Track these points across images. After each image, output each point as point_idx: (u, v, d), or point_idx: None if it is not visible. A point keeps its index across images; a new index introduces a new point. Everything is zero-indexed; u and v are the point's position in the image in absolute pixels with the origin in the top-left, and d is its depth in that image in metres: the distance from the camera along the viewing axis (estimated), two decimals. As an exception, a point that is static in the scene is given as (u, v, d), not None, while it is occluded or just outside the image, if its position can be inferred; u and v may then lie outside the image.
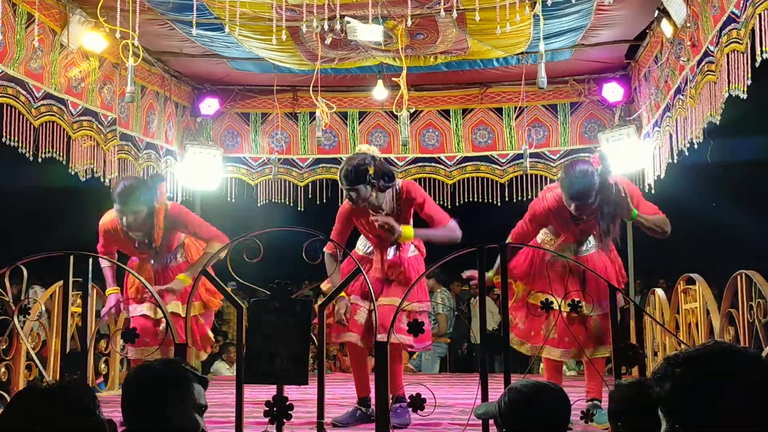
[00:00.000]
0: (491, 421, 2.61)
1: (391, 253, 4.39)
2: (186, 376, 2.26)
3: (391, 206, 4.32)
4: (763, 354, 3.99)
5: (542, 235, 4.49)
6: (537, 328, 4.22)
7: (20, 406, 1.87)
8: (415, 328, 3.30)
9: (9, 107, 5.23)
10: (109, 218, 4.67)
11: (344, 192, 4.26)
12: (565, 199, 4.11)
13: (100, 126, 6.27)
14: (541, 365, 8.16)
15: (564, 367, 5.01)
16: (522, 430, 2.26)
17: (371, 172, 4.17)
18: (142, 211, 4.45)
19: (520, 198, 7.63)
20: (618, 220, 4.20)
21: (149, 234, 4.55)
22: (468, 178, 7.80)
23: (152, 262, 4.69)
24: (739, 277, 4.45)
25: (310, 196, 7.94)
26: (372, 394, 4.27)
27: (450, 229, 4.25)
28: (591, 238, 4.34)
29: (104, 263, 4.65)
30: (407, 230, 4.20)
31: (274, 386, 3.09)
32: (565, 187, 4.08)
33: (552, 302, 3.37)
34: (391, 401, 4.01)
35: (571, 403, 2.33)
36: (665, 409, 1.53)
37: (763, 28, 4.01)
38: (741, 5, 4.31)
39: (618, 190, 4.08)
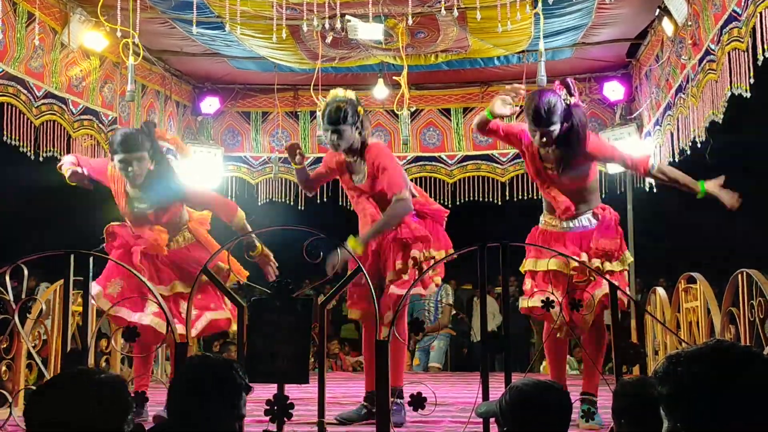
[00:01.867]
0: (492, 420, 2.61)
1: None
2: (241, 385, 2.24)
3: (364, 169, 4.19)
4: (765, 353, 3.99)
5: (541, 217, 4.42)
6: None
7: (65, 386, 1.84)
8: (416, 327, 3.30)
9: (9, 106, 5.23)
10: (110, 169, 4.42)
11: (327, 135, 4.12)
12: (530, 128, 4.00)
13: (100, 125, 6.27)
14: (542, 364, 8.18)
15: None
16: (523, 429, 2.26)
17: (361, 112, 4.13)
18: (145, 157, 4.24)
19: (520, 197, 7.63)
20: (581, 149, 4.02)
21: (148, 188, 4.32)
22: (469, 177, 7.80)
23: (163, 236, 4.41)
24: (740, 276, 4.44)
25: (310, 195, 7.93)
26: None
27: (394, 207, 4.00)
28: (583, 218, 4.20)
29: (65, 159, 4.49)
30: (352, 243, 3.90)
31: (275, 385, 3.08)
32: (530, 115, 3.94)
33: (552, 301, 3.36)
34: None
35: (572, 401, 2.33)
36: (666, 408, 1.53)
37: (764, 27, 4.00)
38: (742, 3, 4.31)
39: (582, 114, 4.02)
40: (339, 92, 4.27)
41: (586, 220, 4.16)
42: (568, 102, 3.96)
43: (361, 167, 4.23)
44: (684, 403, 1.49)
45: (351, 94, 4.25)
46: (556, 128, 3.93)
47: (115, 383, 1.86)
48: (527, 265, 4.26)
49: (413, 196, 4.26)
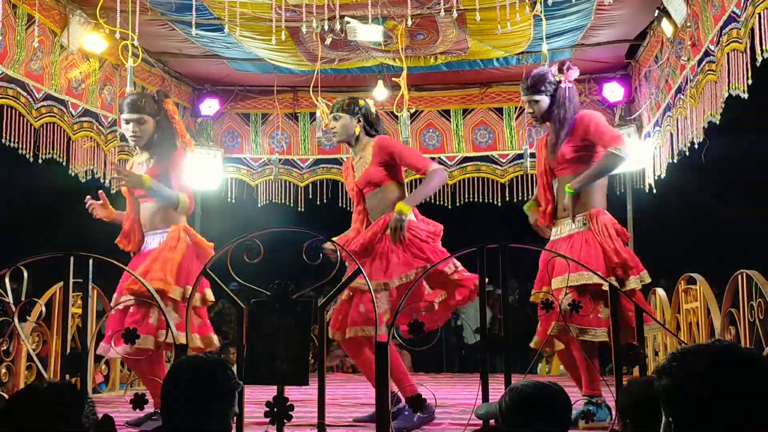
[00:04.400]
0: (492, 422, 2.61)
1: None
2: (236, 385, 2.23)
3: (368, 159, 4.24)
4: (764, 353, 3.99)
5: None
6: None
7: (11, 407, 1.92)
8: (416, 328, 3.29)
9: (9, 108, 5.24)
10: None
11: (330, 123, 4.30)
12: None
13: (100, 127, 6.27)
14: (540, 365, 8.17)
15: (562, 367, 4.96)
16: (523, 431, 2.26)
17: (361, 104, 4.25)
18: (147, 122, 4.29)
19: (520, 198, 7.63)
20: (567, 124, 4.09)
21: (152, 149, 4.33)
22: (468, 178, 7.80)
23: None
24: (739, 277, 4.45)
25: (310, 196, 7.94)
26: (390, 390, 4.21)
27: (431, 176, 4.11)
28: (572, 222, 4.13)
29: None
30: (401, 207, 4.00)
31: (275, 387, 3.08)
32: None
33: (552, 302, 3.37)
34: (402, 401, 3.98)
35: (572, 402, 2.33)
36: (663, 404, 1.53)
37: (763, 28, 4.00)
38: (741, 5, 4.31)
39: (571, 93, 4.12)
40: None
41: (577, 222, 4.02)
42: (558, 78, 4.04)
43: (364, 160, 4.25)
44: (677, 398, 1.50)
45: (369, 99, 4.38)
46: (541, 99, 4.09)
47: (57, 390, 1.94)
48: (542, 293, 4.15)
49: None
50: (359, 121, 4.23)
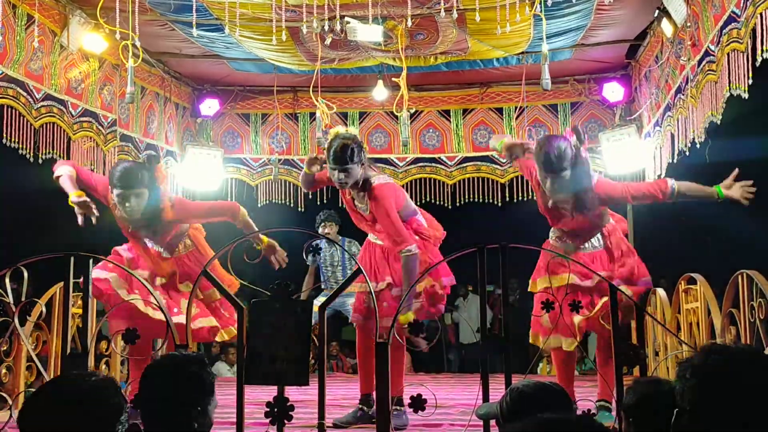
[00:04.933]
0: (493, 422, 2.61)
1: (372, 237, 4.41)
2: (213, 382, 2.26)
3: (367, 205, 4.29)
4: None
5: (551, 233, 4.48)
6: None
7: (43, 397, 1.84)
8: (416, 328, 3.29)
9: (9, 108, 5.23)
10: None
11: (334, 174, 4.17)
12: (540, 174, 4.10)
13: (100, 127, 6.27)
14: (540, 366, 8.16)
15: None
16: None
17: (365, 148, 4.25)
18: (143, 194, 4.28)
19: (520, 198, 7.63)
20: (590, 196, 4.13)
21: (150, 221, 4.38)
22: (468, 179, 7.80)
23: (160, 250, 4.54)
24: (740, 277, 4.44)
25: (310, 196, 7.92)
26: (373, 392, 4.25)
27: (408, 264, 4.07)
28: (594, 240, 4.32)
29: (62, 170, 4.45)
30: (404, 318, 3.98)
31: (275, 387, 3.08)
32: (540, 161, 4.06)
33: (552, 302, 3.37)
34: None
35: (574, 402, 2.33)
36: (683, 400, 1.54)
37: (763, 28, 4.00)
38: (741, 5, 4.31)
39: (587, 159, 4.13)
40: (340, 129, 4.34)
41: (596, 240, 4.27)
42: (577, 147, 4.02)
43: (364, 199, 4.28)
44: (688, 399, 1.50)
45: (353, 131, 4.33)
46: (566, 173, 4.01)
47: (104, 387, 1.85)
48: (540, 284, 4.26)
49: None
50: (362, 164, 4.22)
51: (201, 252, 4.59)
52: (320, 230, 7.01)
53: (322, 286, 6.96)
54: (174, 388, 2.21)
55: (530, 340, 4.31)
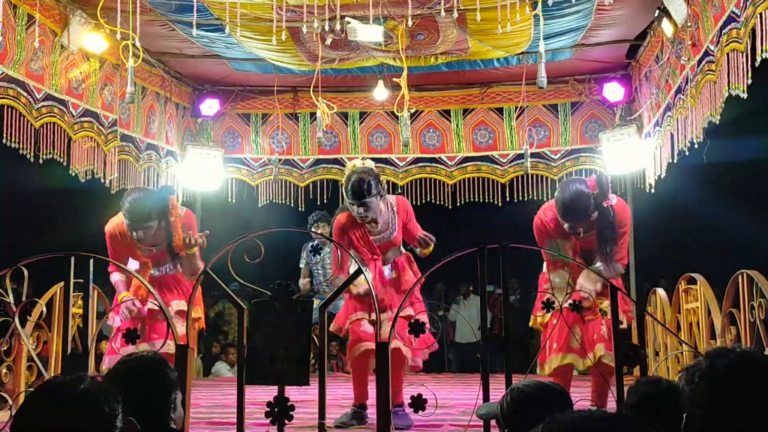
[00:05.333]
0: (493, 422, 2.61)
1: (386, 271, 4.43)
2: (173, 381, 2.33)
3: (386, 218, 4.35)
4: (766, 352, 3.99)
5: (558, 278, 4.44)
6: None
7: (36, 400, 1.84)
8: (416, 328, 3.29)
9: (10, 108, 5.23)
10: (113, 224, 4.53)
11: (353, 209, 4.22)
12: (560, 217, 4.16)
13: (100, 127, 6.27)
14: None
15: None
16: (524, 431, 2.25)
17: (382, 181, 4.32)
18: (153, 226, 4.32)
19: (520, 198, 7.64)
20: (614, 243, 4.19)
21: (166, 244, 4.44)
22: (469, 178, 7.80)
23: (159, 270, 4.59)
24: (740, 277, 4.44)
25: (311, 196, 7.94)
26: (368, 401, 4.27)
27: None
28: (598, 264, 4.25)
29: (115, 277, 4.53)
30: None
31: (276, 387, 3.08)
32: (560, 207, 4.13)
33: (553, 302, 3.37)
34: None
35: (573, 402, 2.33)
36: (689, 404, 1.54)
37: (763, 28, 4.00)
38: (741, 5, 4.31)
39: (612, 214, 4.15)
40: (357, 163, 4.39)
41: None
42: (599, 199, 4.07)
43: (385, 224, 4.35)
44: (699, 401, 1.50)
45: (370, 164, 4.34)
46: (585, 224, 4.11)
47: (99, 390, 1.84)
48: (540, 318, 4.24)
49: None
50: (381, 195, 4.26)
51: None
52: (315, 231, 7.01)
53: (315, 289, 6.92)
54: (146, 391, 2.25)
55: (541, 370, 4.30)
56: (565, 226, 4.13)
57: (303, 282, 7.13)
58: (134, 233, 4.35)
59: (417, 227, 4.44)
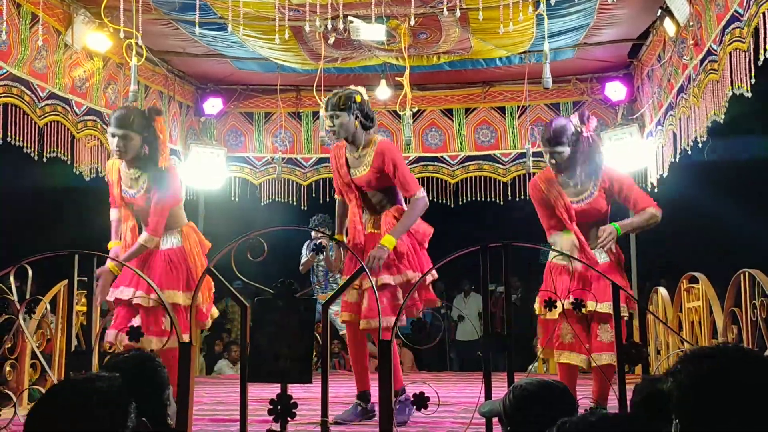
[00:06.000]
0: (495, 420, 2.62)
1: (365, 217, 4.37)
2: (164, 378, 2.35)
3: (368, 161, 4.31)
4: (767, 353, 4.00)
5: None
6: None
7: (50, 399, 1.84)
8: (417, 327, 3.30)
9: (14, 107, 5.25)
10: (110, 162, 4.45)
11: (325, 120, 4.29)
12: (543, 149, 4.19)
13: (104, 126, 6.28)
14: (536, 365, 8.16)
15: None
16: (527, 429, 2.26)
17: (358, 100, 4.26)
18: (133, 139, 4.18)
19: (522, 197, 7.63)
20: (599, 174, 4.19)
21: (141, 163, 4.26)
22: (471, 177, 7.81)
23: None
24: (742, 276, 4.45)
25: (313, 195, 7.95)
26: (370, 389, 4.27)
27: (415, 205, 4.23)
28: (600, 253, 4.21)
29: (113, 215, 4.43)
30: (387, 240, 4.11)
31: (278, 385, 3.10)
32: (542, 135, 4.19)
33: (555, 302, 3.38)
34: (404, 395, 4.02)
35: (577, 400, 2.34)
36: (671, 405, 1.54)
37: (766, 27, 4.01)
38: (744, 4, 4.32)
39: (594, 140, 4.19)
40: (351, 87, 4.40)
41: (597, 254, 4.15)
42: (579, 129, 4.08)
43: (363, 160, 4.30)
44: (681, 400, 1.50)
45: (359, 89, 4.36)
46: (563, 150, 4.09)
47: (111, 388, 1.85)
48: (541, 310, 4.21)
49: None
50: (356, 117, 4.27)
51: (186, 253, 4.35)
52: (313, 235, 7.01)
53: (314, 290, 6.91)
54: (141, 390, 2.25)
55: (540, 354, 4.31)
56: (547, 157, 4.14)
57: (305, 261, 7.05)
58: (114, 142, 4.19)
59: (408, 184, 4.25)
